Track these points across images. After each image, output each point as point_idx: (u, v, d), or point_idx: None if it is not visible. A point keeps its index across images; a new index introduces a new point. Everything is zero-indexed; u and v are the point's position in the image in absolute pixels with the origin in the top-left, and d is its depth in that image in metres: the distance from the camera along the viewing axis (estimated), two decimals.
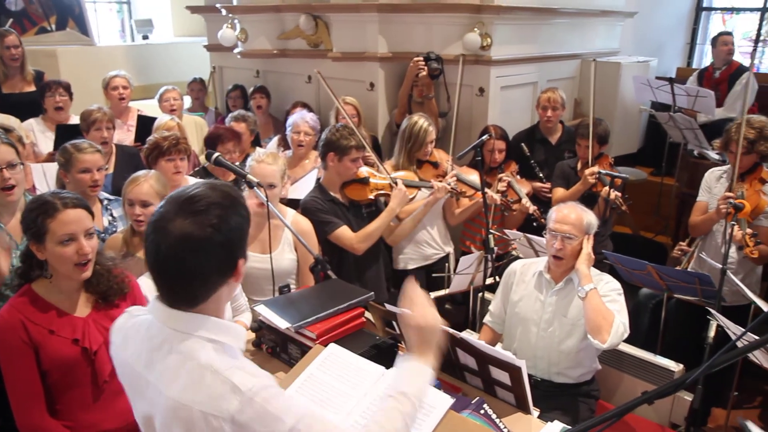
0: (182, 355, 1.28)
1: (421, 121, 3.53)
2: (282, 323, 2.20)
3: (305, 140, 3.95)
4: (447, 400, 1.87)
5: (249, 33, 5.15)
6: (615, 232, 4.32)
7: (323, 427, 1.27)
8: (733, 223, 2.98)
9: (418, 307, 1.54)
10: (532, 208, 3.69)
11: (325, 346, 2.05)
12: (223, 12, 5.27)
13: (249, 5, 5.06)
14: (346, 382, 1.94)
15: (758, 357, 2.53)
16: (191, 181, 3.29)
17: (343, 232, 3.11)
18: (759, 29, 5.38)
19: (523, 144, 4.13)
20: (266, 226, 2.76)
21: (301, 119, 3.98)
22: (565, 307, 2.64)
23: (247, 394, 1.22)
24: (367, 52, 4.59)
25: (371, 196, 3.24)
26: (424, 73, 4.06)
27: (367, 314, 2.46)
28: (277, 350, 2.30)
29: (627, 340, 2.94)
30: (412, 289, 1.57)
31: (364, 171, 3.25)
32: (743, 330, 2.37)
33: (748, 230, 3.00)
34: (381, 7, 4.41)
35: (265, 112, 5.11)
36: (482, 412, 2.00)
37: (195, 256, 1.25)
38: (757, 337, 2.29)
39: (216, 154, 2.82)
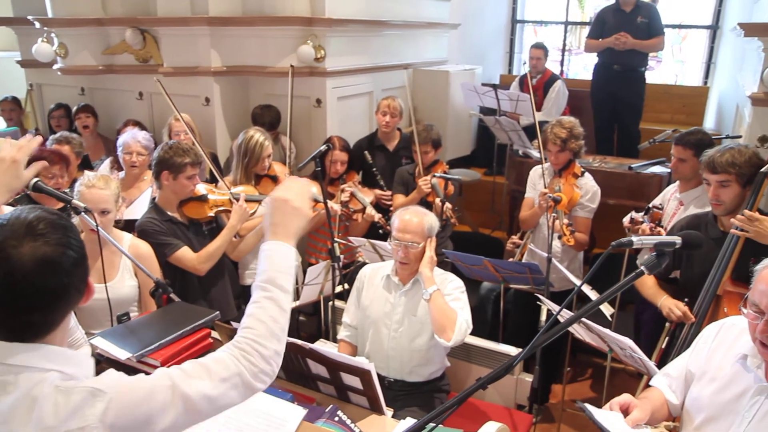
0: (24, 390, 1.18)
1: (257, 135, 3.49)
2: (122, 354, 2.09)
3: (138, 161, 3.75)
4: (299, 412, 1.88)
5: (69, 48, 4.79)
6: (455, 231, 4.56)
7: (192, 383, 1.26)
8: (554, 215, 3.28)
9: (285, 184, 1.56)
10: (377, 216, 3.79)
11: None
12: (37, 25, 4.85)
13: (66, 18, 4.71)
14: None
15: (581, 333, 2.80)
16: (7, 210, 2.99)
17: (184, 254, 3.00)
18: (564, 40, 5.98)
19: (366, 152, 4.24)
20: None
21: (132, 139, 3.77)
22: (413, 307, 2.74)
23: (108, 392, 1.18)
24: (200, 66, 4.47)
25: (211, 214, 3.15)
26: None
27: (215, 334, 2.40)
28: None
29: (473, 332, 3.11)
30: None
31: (201, 188, 3.15)
32: (564, 311, 2.60)
33: (565, 221, 3.31)
34: (211, 21, 4.32)
35: (93, 132, 4.79)
36: (337, 419, 2.03)
37: (56, 278, 1.20)
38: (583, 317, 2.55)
39: (34, 180, 2.59)
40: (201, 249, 3.06)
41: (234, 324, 2.29)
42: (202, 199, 3.14)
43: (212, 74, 4.49)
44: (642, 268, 1.40)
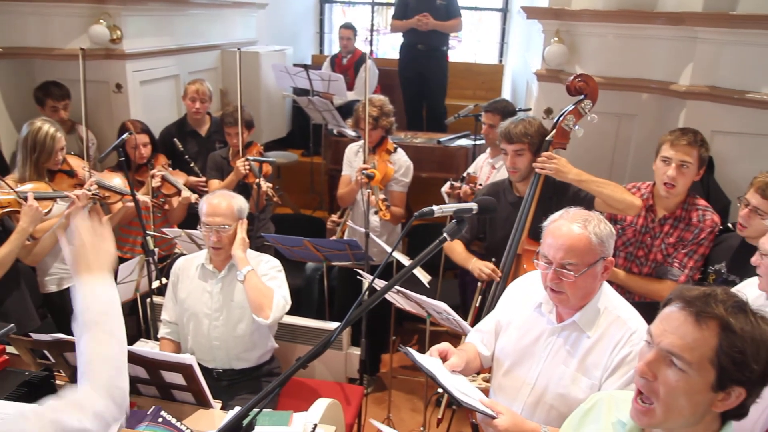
0: None
1: (45, 126, 3.11)
2: None
3: None
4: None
5: None
6: (276, 214, 4.52)
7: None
8: (369, 190, 3.38)
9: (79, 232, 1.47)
10: (193, 197, 3.63)
11: None
12: None
13: None
14: None
15: (400, 302, 2.93)
16: None
17: None
18: (372, 20, 6.17)
19: (175, 139, 4.03)
20: None
21: None
22: (231, 293, 2.68)
23: None
24: None
25: None
26: None
27: (11, 349, 2.16)
28: None
29: (302, 313, 3.13)
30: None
31: None
32: (382, 282, 2.70)
33: (381, 196, 3.43)
34: None
35: None
36: (161, 420, 1.94)
37: None
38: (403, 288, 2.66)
39: None
40: None
41: (34, 335, 2.07)
42: None
43: None
44: (444, 234, 1.49)
